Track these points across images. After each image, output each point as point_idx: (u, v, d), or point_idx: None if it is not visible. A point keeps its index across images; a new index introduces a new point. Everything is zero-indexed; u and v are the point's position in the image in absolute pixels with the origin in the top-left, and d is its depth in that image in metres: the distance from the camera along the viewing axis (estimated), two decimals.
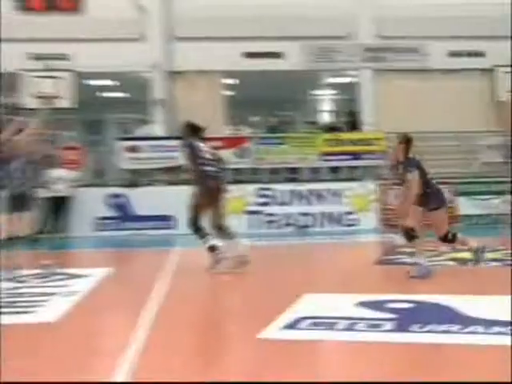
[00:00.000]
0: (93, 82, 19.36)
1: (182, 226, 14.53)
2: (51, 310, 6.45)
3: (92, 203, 15.41)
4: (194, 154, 8.93)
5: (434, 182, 8.26)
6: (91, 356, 4.90)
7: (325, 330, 5.33)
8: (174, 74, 18.04)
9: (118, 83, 19.81)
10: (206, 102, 17.76)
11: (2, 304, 6.90)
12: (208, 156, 9.00)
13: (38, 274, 8.77)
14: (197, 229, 8.96)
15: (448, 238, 8.15)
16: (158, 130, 17.53)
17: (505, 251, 10.09)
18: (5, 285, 8.05)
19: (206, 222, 9.03)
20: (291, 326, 5.47)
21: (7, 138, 8.62)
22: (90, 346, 5.25)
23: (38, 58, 15.11)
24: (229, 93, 19.25)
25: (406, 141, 8.24)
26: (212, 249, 8.82)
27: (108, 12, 17.39)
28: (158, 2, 17.86)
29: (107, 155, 18.28)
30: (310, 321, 5.60)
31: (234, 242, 8.89)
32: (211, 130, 17.02)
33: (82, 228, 15.31)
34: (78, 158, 16.56)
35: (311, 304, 6.41)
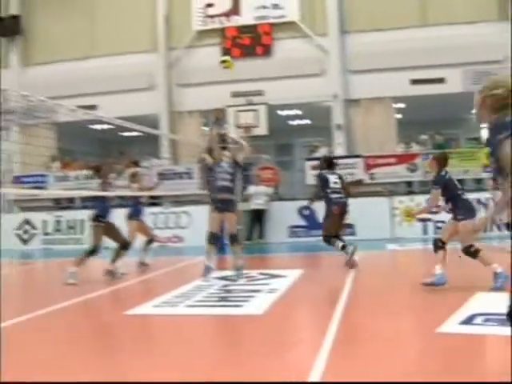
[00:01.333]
0: (283, 112, 19.78)
1: (361, 233, 14.55)
2: (257, 305, 6.54)
3: (285, 214, 15.71)
4: (324, 185, 9.33)
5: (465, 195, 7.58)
6: (294, 345, 4.94)
7: (498, 326, 5.01)
8: (351, 102, 18.05)
9: (303, 112, 20.08)
10: (379, 125, 17.66)
11: (216, 299, 7.16)
12: (335, 186, 9.33)
13: (244, 274, 8.95)
14: (329, 241, 9.29)
15: (469, 251, 7.12)
16: (339, 150, 17.57)
17: None
18: (218, 282, 8.37)
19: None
20: (467, 321, 5.22)
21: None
22: (292, 336, 5.29)
23: (239, 95, 15.69)
24: (399, 115, 18.92)
25: (438, 158, 7.66)
26: (343, 247, 9.08)
27: (293, 54, 17.84)
28: (335, 42, 17.95)
29: (297, 173, 18.58)
30: (483, 317, 5.32)
31: (347, 248, 9.09)
32: (386, 149, 17.03)
33: (278, 235, 15.65)
34: (273, 176, 17.02)
35: (483, 301, 6.09)
